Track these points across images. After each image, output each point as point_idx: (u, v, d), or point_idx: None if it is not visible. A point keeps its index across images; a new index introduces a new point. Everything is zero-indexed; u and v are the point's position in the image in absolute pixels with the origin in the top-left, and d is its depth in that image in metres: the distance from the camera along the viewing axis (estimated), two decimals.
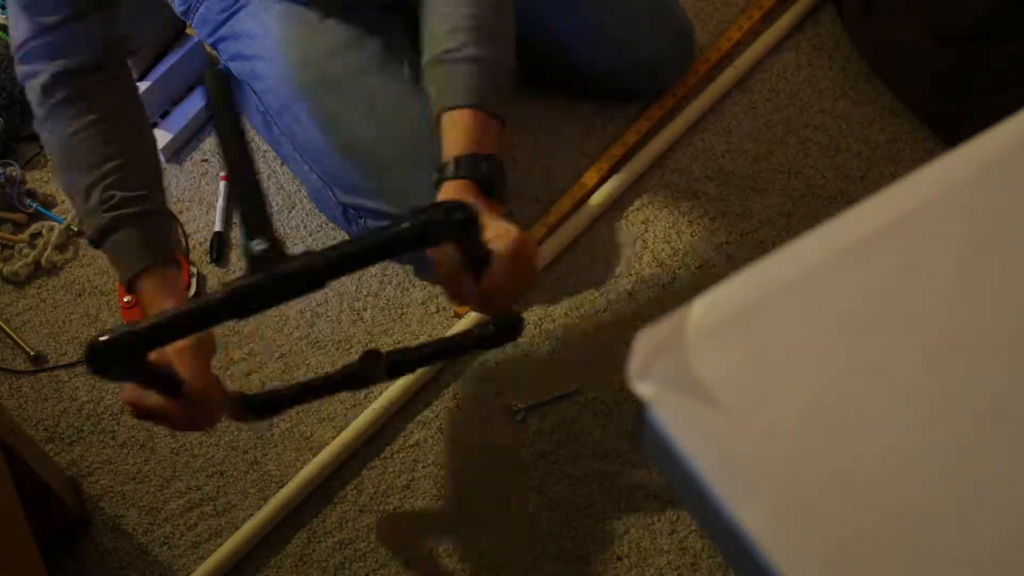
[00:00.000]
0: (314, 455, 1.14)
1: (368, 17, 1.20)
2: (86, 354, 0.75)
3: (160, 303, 0.90)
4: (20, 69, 0.94)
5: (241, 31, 1.21)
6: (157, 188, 0.96)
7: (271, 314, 1.26)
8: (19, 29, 0.93)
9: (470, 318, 1.21)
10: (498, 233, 0.86)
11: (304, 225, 1.33)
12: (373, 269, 1.28)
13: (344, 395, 1.19)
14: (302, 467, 1.13)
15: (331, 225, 1.33)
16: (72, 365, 1.24)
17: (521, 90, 1.44)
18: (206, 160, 1.41)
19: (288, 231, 1.33)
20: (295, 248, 1.31)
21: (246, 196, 0.80)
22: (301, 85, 1.17)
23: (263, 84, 1.21)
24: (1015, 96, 1.25)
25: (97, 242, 0.94)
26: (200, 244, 1.33)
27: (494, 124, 0.96)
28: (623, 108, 1.42)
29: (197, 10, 1.25)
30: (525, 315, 1.24)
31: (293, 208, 1.35)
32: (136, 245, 0.92)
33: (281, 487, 1.12)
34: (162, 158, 1.40)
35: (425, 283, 1.27)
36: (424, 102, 1.04)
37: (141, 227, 0.93)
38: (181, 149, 1.42)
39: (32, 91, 0.94)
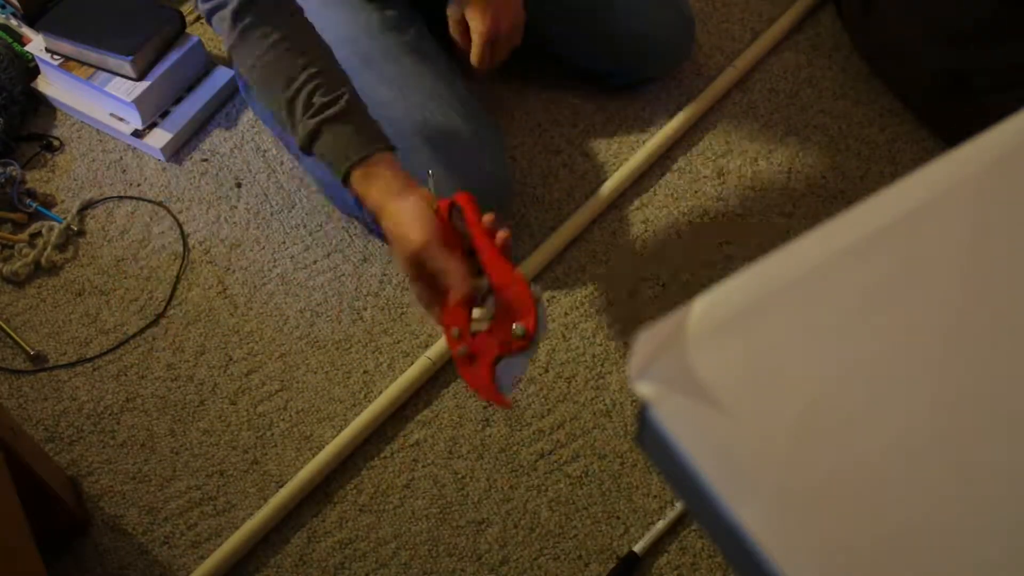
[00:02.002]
0: (314, 455, 1.14)
1: (402, 7, 1.27)
2: None
3: (390, 184, 0.98)
4: (203, 6, 1.03)
5: None
6: (348, 84, 1.03)
7: (271, 314, 1.26)
8: None
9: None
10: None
11: (304, 224, 1.33)
12: (373, 269, 1.28)
13: (344, 395, 1.20)
14: (302, 467, 1.13)
15: (331, 224, 1.33)
16: (72, 365, 1.24)
17: (521, 90, 1.44)
18: (206, 160, 1.41)
19: (288, 230, 1.33)
20: (294, 246, 1.32)
21: None
22: (346, 67, 1.19)
23: None
24: (1015, 96, 1.25)
25: (308, 148, 1.02)
26: (200, 244, 1.33)
27: None
28: (624, 107, 1.42)
29: None
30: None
31: (293, 208, 1.35)
32: (349, 138, 1.00)
33: (281, 487, 1.12)
34: (162, 157, 1.40)
35: None
36: (454, 86, 1.16)
37: (347, 123, 1.00)
38: (181, 149, 1.42)
39: (222, 20, 1.02)
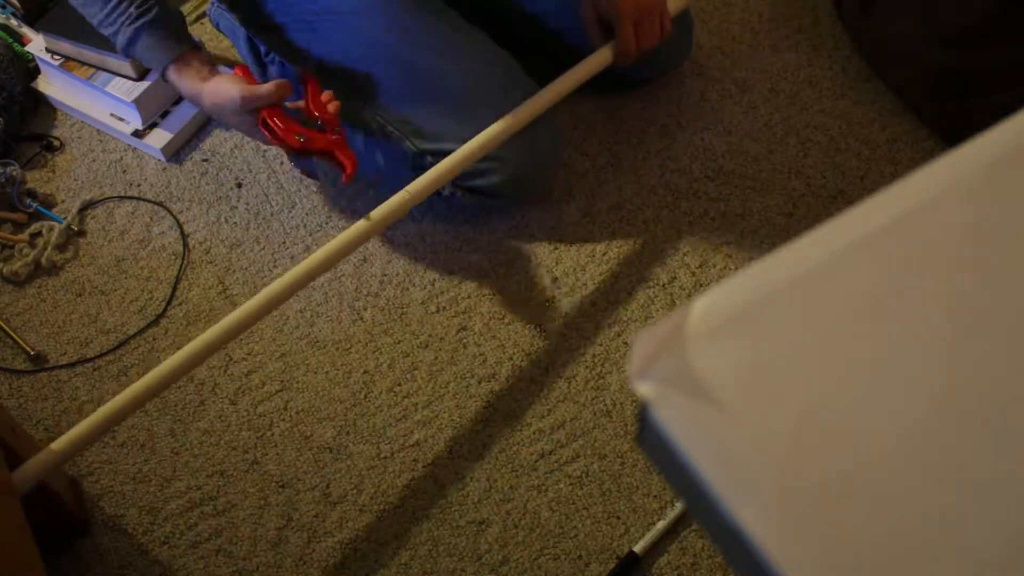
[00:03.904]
0: (313, 453, 1.14)
1: None
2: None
3: (200, 71, 1.14)
4: None
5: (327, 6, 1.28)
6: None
7: (271, 314, 1.26)
8: None
9: None
10: None
11: (304, 225, 1.33)
12: (373, 269, 1.28)
13: (344, 395, 1.20)
14: (302, 466, 1.13)
15: (332, 225, 1.33)
16: (72, 365, 1.24)
17: None
18: (206, 160, 1.41)
19: (288, 231, 1.33)
20: (294, 246, 1.32)
21: None
22: (385, 43, 1.25)
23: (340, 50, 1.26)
24: (1015, 96, 1.25)
25: (127, 51, 1.14)
26: (200, 244, 1.33)
27: None
28: (624, 107, 1.42)
29: None
30: (525, 313, 1.24)
31: (293, 208, 1.35)
32: (163, 41, 1.14)
33: (281, 487, 1.13)
34: (162, 157, 1.40)
35: (425, 283, 1.27)
36: (496, 50, 1.26)
37: (161, 28, 1.13)
38: (181, 149, 1.42)
39: None
